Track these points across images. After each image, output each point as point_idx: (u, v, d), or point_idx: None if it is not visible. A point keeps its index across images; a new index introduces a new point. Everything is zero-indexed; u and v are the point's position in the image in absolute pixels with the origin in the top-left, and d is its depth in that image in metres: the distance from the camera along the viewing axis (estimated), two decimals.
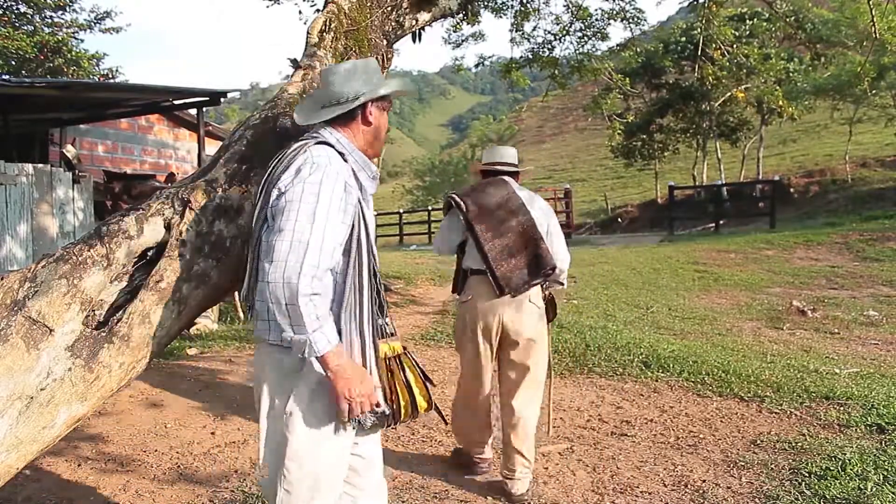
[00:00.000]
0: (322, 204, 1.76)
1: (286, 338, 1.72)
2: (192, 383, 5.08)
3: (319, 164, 1.81)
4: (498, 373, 3.36)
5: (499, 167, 3.42)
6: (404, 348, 2.00)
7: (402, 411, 1.93)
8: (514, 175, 3.44)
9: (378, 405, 1.86)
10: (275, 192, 1.81)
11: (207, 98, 9.25)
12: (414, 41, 3.58)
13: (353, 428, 1.87)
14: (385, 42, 3.00)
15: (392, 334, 1.98)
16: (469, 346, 3.29)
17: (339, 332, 1.82)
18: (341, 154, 1.90)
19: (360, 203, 1.90)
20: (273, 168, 1.90)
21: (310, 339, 1.70)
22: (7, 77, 10.93)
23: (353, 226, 1.87)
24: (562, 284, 3.40)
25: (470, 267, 3.27)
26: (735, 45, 15.12)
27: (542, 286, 3.30)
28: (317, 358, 1.75)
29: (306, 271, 1.69)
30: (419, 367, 2.01)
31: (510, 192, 3.28)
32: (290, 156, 1.87)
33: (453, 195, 3.35)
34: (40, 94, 7.97)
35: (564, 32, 8.48)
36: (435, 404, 2.04)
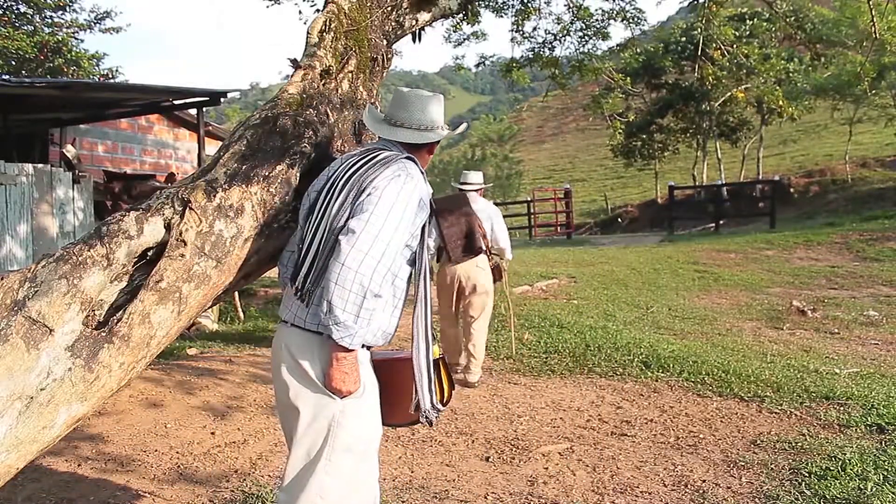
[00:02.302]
0: (407, 214, 1.92)
1: (334, 315, 1.80)
2: (192, 383, 5.08)
3: (413, 176, 1.98)
4: (462, 311, 5.20)
5: (467, 186, 5.30)
6: (441, 354, 2.14)
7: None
8: (479, 190, 5.36)
9: (443, 403, 2.10)
10: (369, 189, 1.90)
11: (207, 98, 9.24)
12: (414, 41, 3.58)
13: (424, 423, 2.05)
14: (385, 42, 3.00)
15: (434, 338, 2.14)
16: (443, 294, 5.18)
17: (412, 337, 2.00)
18: (422, 173, 2.07)
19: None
20: (358, 165, 1.99)
21: (353, 330, 1.82)
22: (7, 77, 10.91)
23: (421, 237, 2.03)
24: (505, 258, 5.35)
25: (440, 245, 5.04)
26: (735, 45, 15.12)
27: (488, 257, 5.13)
28: (336, 345, 1.85)
29: (380, 270, 1.84)
30: (450, 375, 2.16)
31: (465, 203, 5.07)
32: (382, 160, 1.98)
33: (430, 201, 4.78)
34: (40, 94, 7.96)
35: (565, 32, 8.47)
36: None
